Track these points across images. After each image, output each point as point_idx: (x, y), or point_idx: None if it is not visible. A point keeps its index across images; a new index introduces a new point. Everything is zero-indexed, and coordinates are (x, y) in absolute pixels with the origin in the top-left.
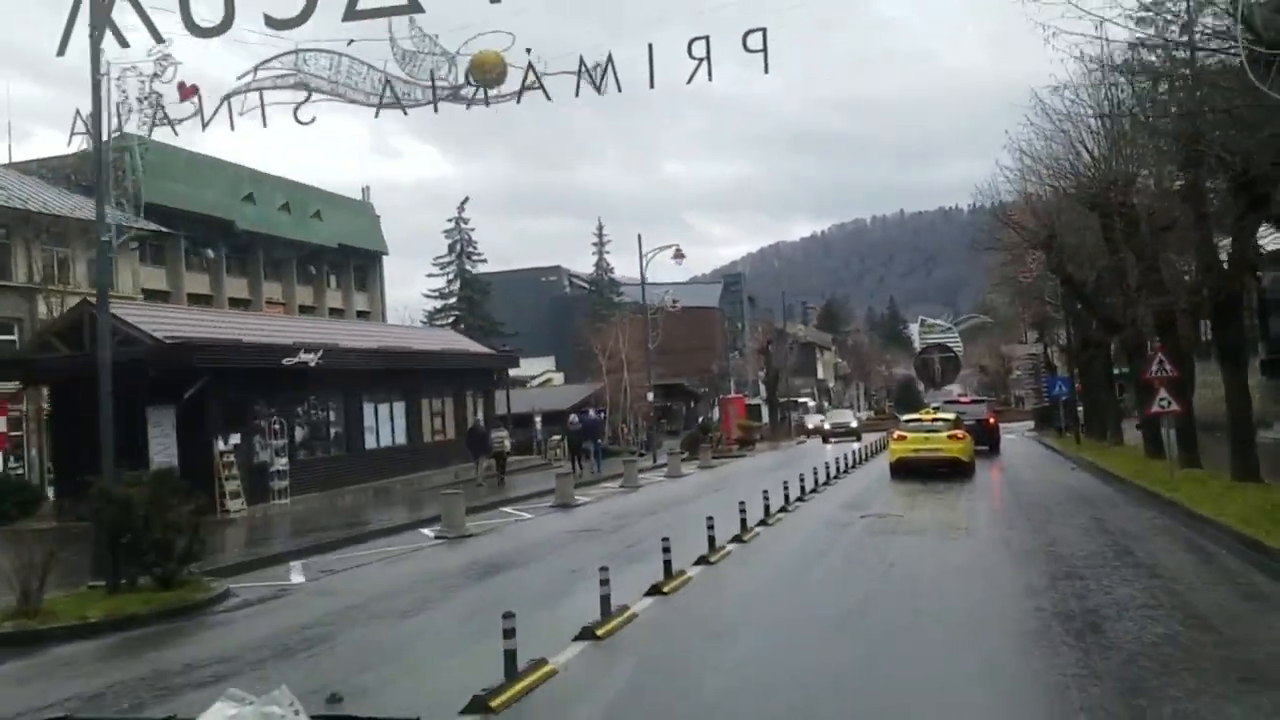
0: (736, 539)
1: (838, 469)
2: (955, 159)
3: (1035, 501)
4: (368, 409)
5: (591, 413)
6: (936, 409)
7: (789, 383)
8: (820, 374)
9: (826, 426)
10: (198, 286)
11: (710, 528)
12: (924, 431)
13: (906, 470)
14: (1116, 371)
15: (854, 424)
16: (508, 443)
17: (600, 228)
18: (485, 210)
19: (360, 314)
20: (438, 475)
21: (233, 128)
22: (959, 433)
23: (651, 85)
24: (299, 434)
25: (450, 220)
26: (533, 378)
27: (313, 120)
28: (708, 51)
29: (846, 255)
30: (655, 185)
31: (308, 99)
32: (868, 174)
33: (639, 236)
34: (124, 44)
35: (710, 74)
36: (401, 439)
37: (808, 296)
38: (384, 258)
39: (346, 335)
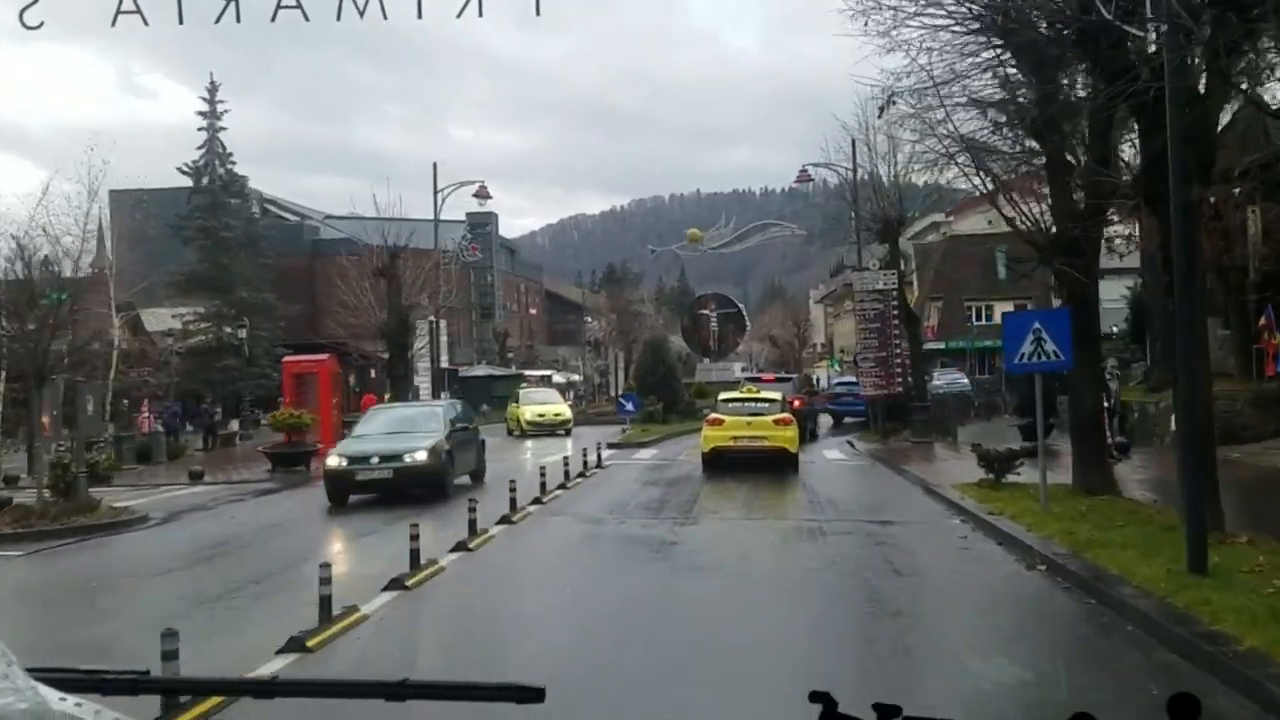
0: None
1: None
2: (742, 144)
3: None
4: None
5: None
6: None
7: (531, 349)
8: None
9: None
10: None
11: None
12: (746, 415)
13: (722, 463)
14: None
15: (567, 414)
16: None
17: (213, 87)
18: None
19: None
20: None
21: None
22: (786, 416)
23: (419, 15)
24: None
25: None
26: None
27: (40, 25)
28: None
29: (644, 230)
30: (442, 151)
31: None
32: (663, 153)
33: None
34: None
35: (481, 9)
36: None
37: (602, 268)
38: None
39: None
